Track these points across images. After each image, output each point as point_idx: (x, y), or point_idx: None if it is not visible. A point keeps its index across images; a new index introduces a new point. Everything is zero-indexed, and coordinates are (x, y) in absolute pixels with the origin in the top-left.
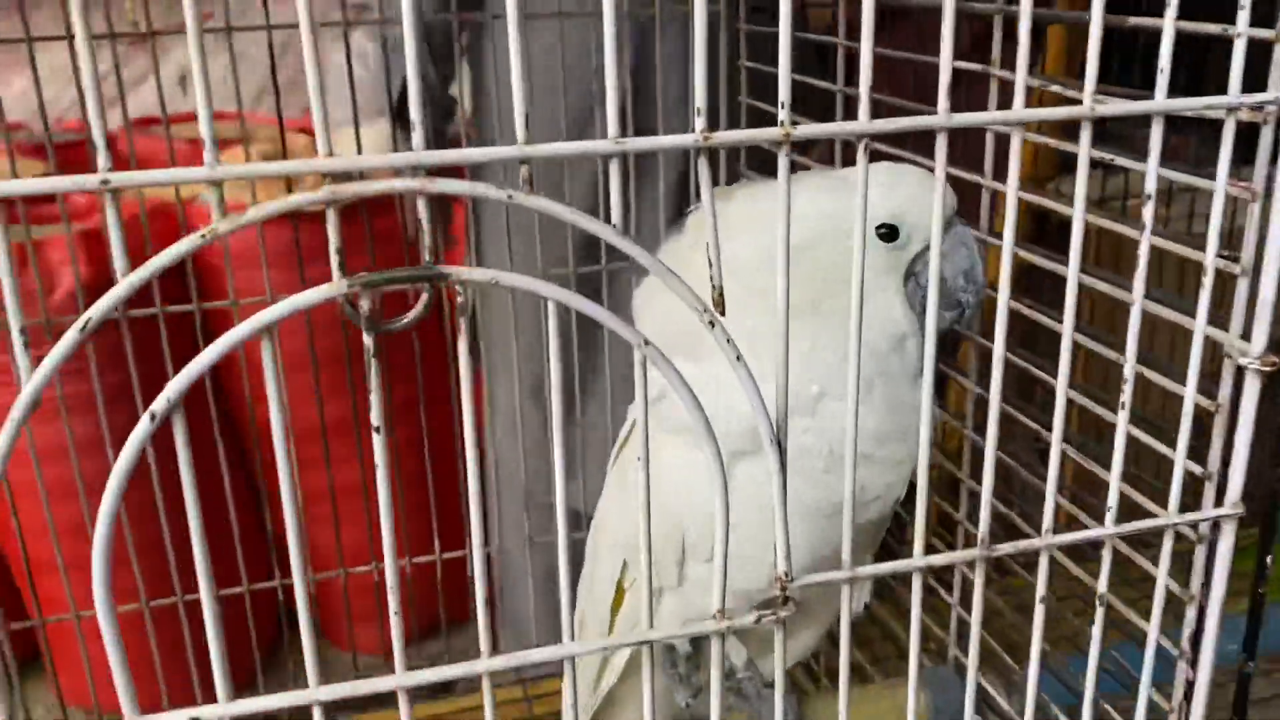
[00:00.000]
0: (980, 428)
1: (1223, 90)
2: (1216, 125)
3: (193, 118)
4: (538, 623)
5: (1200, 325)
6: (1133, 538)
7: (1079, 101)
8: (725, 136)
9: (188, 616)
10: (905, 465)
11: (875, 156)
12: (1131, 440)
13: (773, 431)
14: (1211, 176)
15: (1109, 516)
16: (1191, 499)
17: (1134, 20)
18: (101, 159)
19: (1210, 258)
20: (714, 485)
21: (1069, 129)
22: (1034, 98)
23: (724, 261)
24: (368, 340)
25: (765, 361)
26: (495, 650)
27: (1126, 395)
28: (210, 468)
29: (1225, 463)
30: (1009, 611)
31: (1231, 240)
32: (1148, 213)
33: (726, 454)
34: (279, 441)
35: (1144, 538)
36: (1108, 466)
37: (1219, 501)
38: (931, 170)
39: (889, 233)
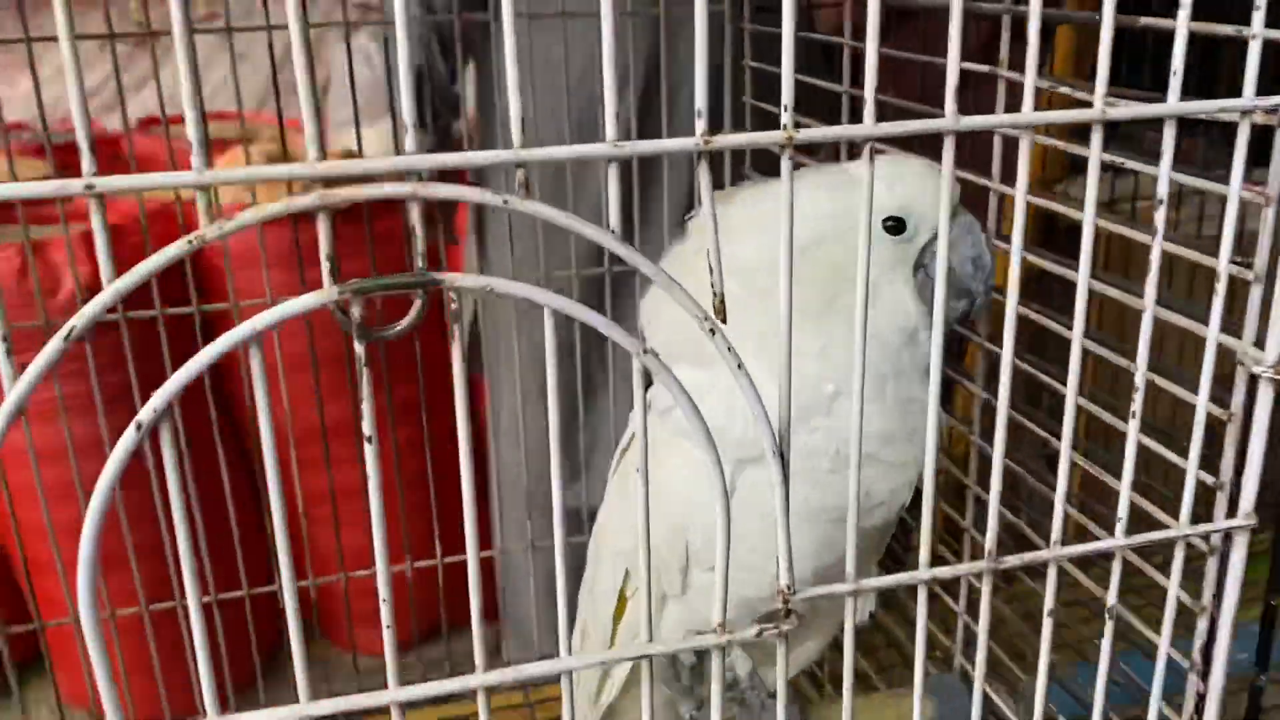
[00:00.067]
0: (987, 434)
1: (1234, 92)
2: (1225, 127)
3: (205, 118)
4: (540, 627)
5: (1213, 333)
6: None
7: (1089, 104)
8: (727, 140)
9: (187, 620)
10: (910, 469)
11: (880, 151)
12: (1141, 448)
13: (775, 442)
14: (1220, 178)
15: (1119, 528)
16: (1202, 508)
17: (1145, 20)
18: (86, 163)
19: (1223, 264)
20: (715, 496)
21: (1078, 130)
22: (1043, 99)
23: (729, 265)
24: (359, 349)
25: (775, 363)
26: (497, 655)
27: (1137, 405)
28: (211, 470)
29: (1238, 472)
30: (1014, 619)
31: (1241, 245)
32: (1159, 218)
33: (733, 460)
34: (268, 450)
35: (1153, 546)
36: (1116, 474)
37: (1231, 512)
38: (935, 161)
39: (896, 225)
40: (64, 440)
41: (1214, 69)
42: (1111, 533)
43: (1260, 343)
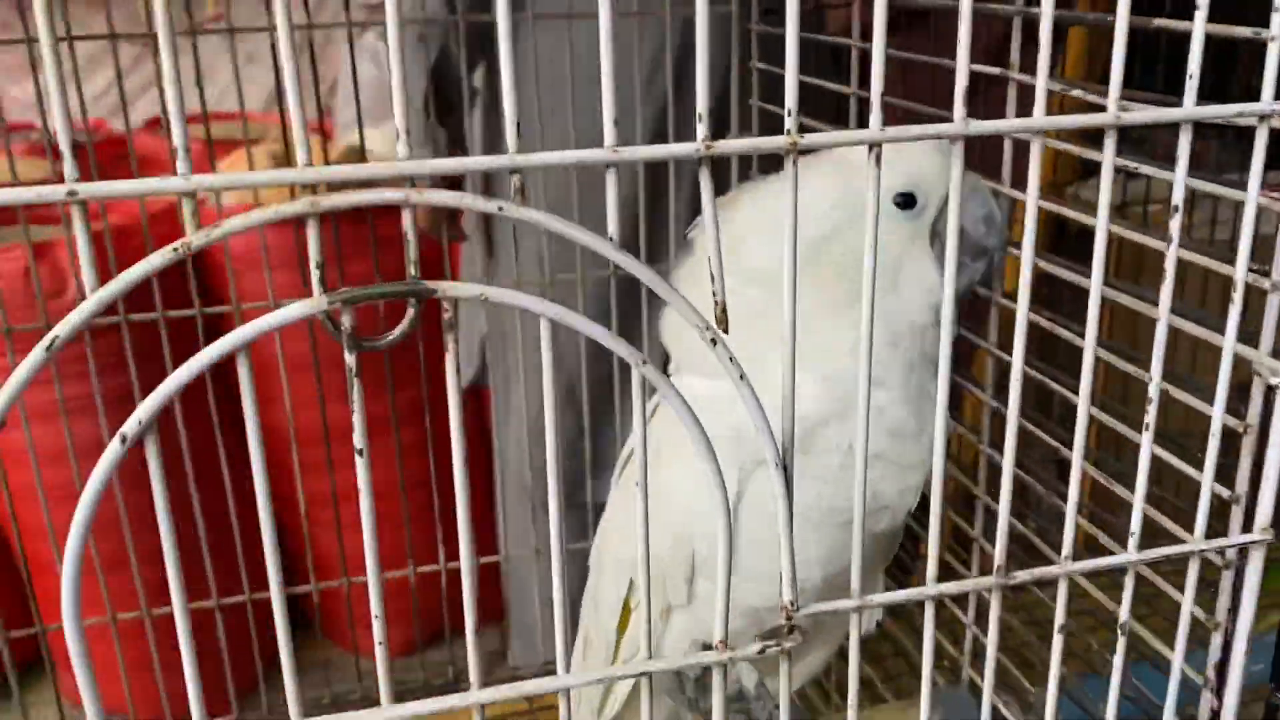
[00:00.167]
0: (996, 442)
1: (1249, 94)
2: (1239, 129)
3: (206, 118)
4: (545, 632)
5: (1229, 343)
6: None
7: (1102, 108)
8: (728, 145)
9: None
10: (918, 472)
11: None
12: (1154, 459)
13: (778, 454)
14: (1233, 182)
15: (1132, 543)
16: (1217, 520)
17: (1159, 22)
18: (68, 168)
19: (1240, 272)
20: (716, 510)
21: (1089, 134)
22: (1054, 103)
23: (743, 272)
24: (349, 359)
25: (805, 356)
26: (501, 658)
27: (1151, 417)
28: (216, 471)
29: (1254, 485)
30: (1023, 629)
31: (1256, 251)
32: (1175, 226)
33: (753, 462)
34: (256, 461)
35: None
36: (1127, 484)
37: (1247, 526)
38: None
39: (906, 201)
40: (64, 441)
41: (1228, 68)
42: (1122, 542)
43: (1278, 353)
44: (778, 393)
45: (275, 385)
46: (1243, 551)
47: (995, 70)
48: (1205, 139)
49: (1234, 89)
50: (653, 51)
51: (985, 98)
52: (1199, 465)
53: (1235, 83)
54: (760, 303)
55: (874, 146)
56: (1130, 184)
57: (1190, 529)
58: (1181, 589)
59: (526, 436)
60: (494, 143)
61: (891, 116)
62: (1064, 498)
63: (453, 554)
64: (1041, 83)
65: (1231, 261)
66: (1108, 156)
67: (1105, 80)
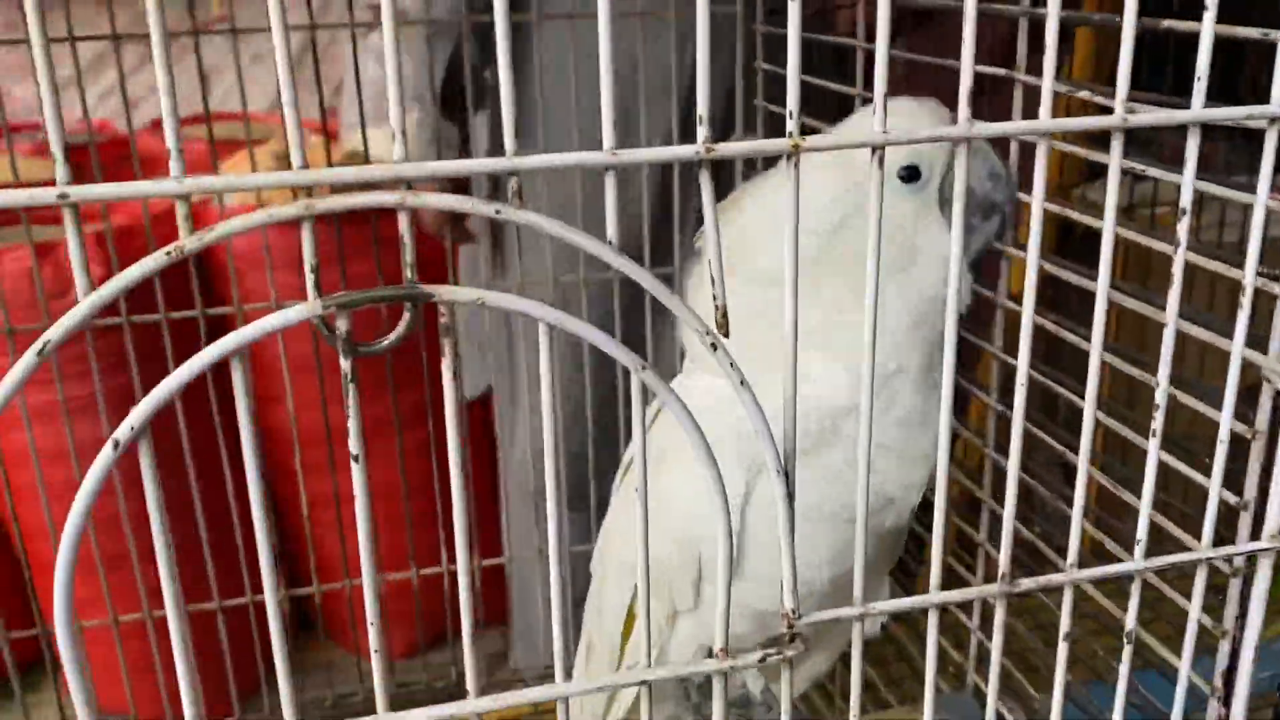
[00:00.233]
0: (1001, 446)
1: (1258, 95)
2: (1247, 130)
3: (211, 118)
4: (549, 635)
5: (1238, 348)
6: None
7: (1109, 109)
8: (729, 148)
9: (191, 625)
10: (923, 466)
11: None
12: (1161, 465)
13: (779, 461)
14: (1242, 185)
15: (1138, 550)
16: (1224, 526)
17: (1167, 23)
18: (60, 171)
19: (1250, 276)
20: (717, 516)
21: (1096, 135)
22: (1061, 104)
23: (758, 273)
24: (345, 365)
25: (835, 346)
26: (505, 661)
27: (1158, 423)
28: (218, 472)
29: (1262, 492)
30: (1027, 633)
31: (1265, 255)
32: (1183, 230)
33: (758, 464)
34: (250, 464)
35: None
36: (1133, 489)
37: (1255, 534)
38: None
39: (910, 174)
40: (67, 441)
41: (1236, 69)
42: (1128, 548)
43: None
44: (804, 389)
45: (278, 386)
46: (1251, 559)
47: (1001, 71)
48: (1214, 140)
49: (1242, 89)
50: (665, 53)
51: (991, 99)
52: (1206, 471)
53: (1243, 83)
54: (778, 302)
55: (876, 149)
56: (1137, 186)
57: (1198, 534)
58: (1188, 593)
59: (530, 438)
60: (501, 143)
61: None
62: (1070, 502)
63: (456, 556)
64: (1047, 84)
65: (1240, 265)
66: (1114, 159)
67: (1113, 81)
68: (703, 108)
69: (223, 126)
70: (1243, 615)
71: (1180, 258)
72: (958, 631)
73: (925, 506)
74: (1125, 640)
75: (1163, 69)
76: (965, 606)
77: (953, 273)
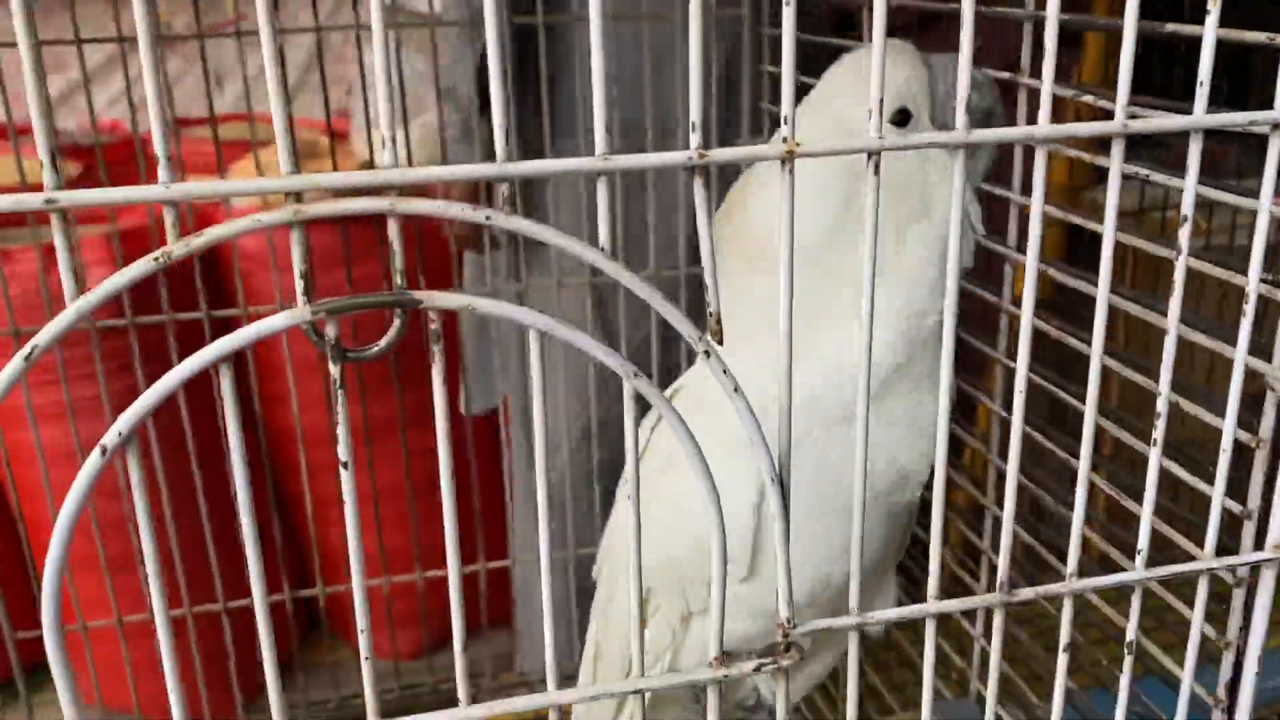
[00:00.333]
0: (1006, 454)
1: (1267, 101)
2: (1259, 134)
3: (225, 119)
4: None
5: (1241, 355)
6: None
7: (1111, 114)
8: (721, 154)
9: (192, 627)
10: (930, 438)
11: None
12: (1165, 472)
13: (774, 469)
14: (1251, 190)
15: (1139, 559)
16: (1228, 535)
17: (1171, 26)
18: (48, 176)
19: (1253, 283)
20: (710, 523)
21: (1103, 140)
22: (1068, 108)
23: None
24: (334, 370)
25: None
26: (509, 663)
27: (1159, 432)
28: (220, 473)
29: (1266, 501)
30: (1030, 641)
31: (1274, 260)
32: (1184, 235)
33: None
34: (239, 473)
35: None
36: (1138, 498)
37: (1259, 543)
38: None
39: (902, 117)
40: (73, 442)
41: (1245, 73)
42: (1132, 557)
43: None
44: (842, 345)
45: (283, 386)
46: (1254, 569)
47: (1005, 75)
48: (1225, 143)
49: (1252, 94)
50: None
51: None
52: (1210, 479)
53: (1252, 89)
54: (806, 279)
55: (872, 155)
56: (1148, 189)
57: (1201, 543)
58: (1191, 602)
59: (525, 438)
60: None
61: None
62: (1073, 510)
63: (463, 558)
64: (1047, 89)
65: (1244, 270)
66: (1114, 165)
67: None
68: (695, 114)
69: (235, 128)
70: (1246, 626)
71: (1182, 265)
72: (961, 638)
73: (925, 508)
74: (1126, 650)
75: (1173, 71)
76: (968, 613)
77: (952, 273)
